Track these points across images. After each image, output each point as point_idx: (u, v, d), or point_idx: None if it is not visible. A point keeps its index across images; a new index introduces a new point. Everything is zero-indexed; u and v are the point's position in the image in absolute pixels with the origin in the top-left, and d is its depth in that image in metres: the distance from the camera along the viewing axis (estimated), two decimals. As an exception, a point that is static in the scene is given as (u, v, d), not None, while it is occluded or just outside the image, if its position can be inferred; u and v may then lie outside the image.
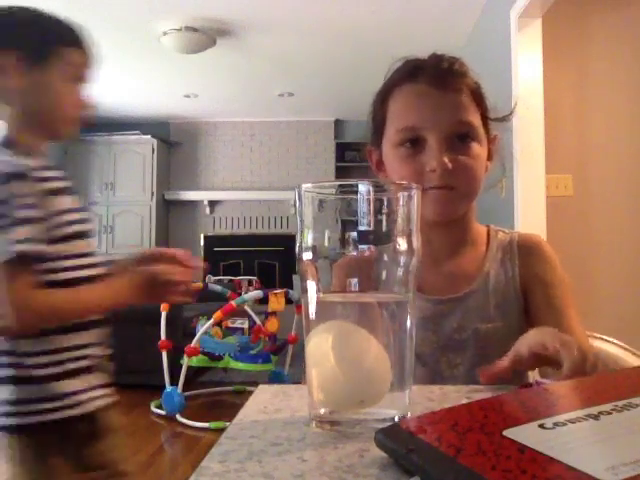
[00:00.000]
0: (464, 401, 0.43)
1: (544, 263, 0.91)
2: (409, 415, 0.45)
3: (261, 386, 0.59)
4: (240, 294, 4.11)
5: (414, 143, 0.84)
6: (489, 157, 0.91)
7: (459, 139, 0.84)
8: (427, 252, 0.88)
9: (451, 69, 0.85)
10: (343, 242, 0.44)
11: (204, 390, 3.83)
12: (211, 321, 3.19)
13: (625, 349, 1.04)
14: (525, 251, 0.91)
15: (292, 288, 4.06)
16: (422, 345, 0.86)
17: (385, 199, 0.45)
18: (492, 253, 0.91)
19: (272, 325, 3.36)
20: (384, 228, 0.44)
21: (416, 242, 0.46)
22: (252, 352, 3.30)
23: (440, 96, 0.84)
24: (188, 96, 5.98)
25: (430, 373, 0.86)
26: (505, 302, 0.88)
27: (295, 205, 0.47)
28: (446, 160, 0.81)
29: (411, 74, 0.87)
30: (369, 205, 0.44)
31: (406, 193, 0.46)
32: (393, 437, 0.37)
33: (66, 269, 1.00)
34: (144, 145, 6.64)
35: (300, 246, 0.46)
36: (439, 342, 0.86)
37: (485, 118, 0.89)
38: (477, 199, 0.90)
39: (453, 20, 4.03)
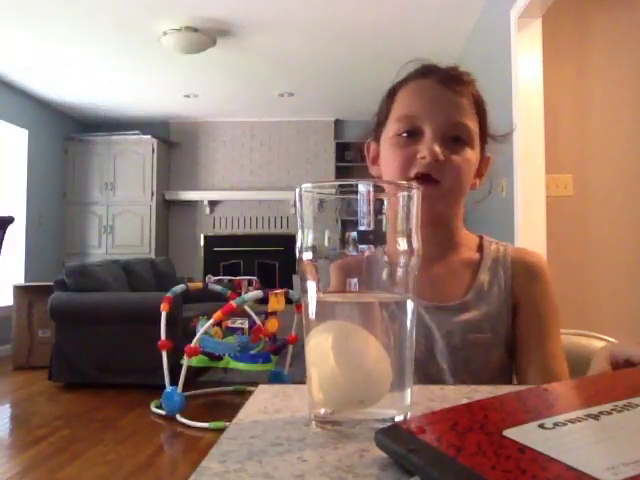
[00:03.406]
0: (464, 401, 0.43)
1: (540, 283, 0.91)
2: (409, 415, 0.45)
3: (261, 386, 0.59)
4: (240, 294, 4.10)
5: (411, 135, 0.86)
6: (479, 174, 0.92)
7: (454, 141, 0.86)
8: None
9: (459, 75, 0.89)
10: (343, 242, 0.44)
11: (204, 390, 3.83)
12: (211, 321, 3.19)
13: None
14: (521, 268, 0.92)
15: (292, 288, 4.06)
16: None
17: (385, 199, 0.45)
18: (486, 265, 0.92)
19: (272, 325, 3.36)
20: (384, 228, 0.44)
21: (416, 242, 0.46)
22: (252, 352, 3.30)
23: (444, 93, 0.86)
24: (188, 96, 5.98)
25: (419, 375, 0.86)
26: (495, 314, 0.88)
27: (295, 205, 0.47)
28: (437, 150, 0.83)
29: (422, 72, 0.90)
30: (369, 205, 0.44)
31: (406, 193, 0.46)
32: (393, 437, 0.37)
33: None
34: (144, 145, 6.64)
35: (300, 246, 0.46)
36: (427, 346, 0.87)
37: (483, 134, 0.91)
38: (467, 207, 0.92)
39: (453, 20, 4.03)
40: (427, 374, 0.86)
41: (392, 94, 0.92)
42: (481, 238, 0.97)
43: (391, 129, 0.89)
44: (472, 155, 0.87)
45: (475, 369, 0.86)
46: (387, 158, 0.89)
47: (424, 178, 0.84)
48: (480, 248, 0.94)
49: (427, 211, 0.85)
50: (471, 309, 0.88)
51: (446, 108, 0.86)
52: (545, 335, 0.88)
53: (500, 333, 0.88)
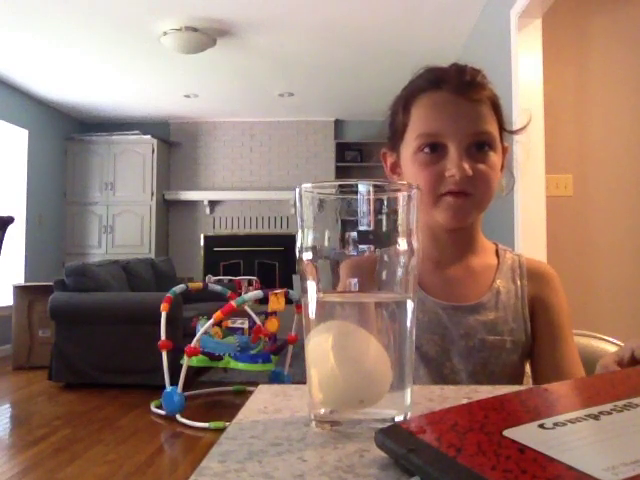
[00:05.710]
0: (464, 401, 0.43)
1: (553, 290, 0.94)
2: (409, 415, 0.45)
3: (261, 386, 0.59)
4: (240, 294, 4.11)
5: (434, 149, 0.86)
6: (501, 168, 0.92)
7: (477, 148, 0.85)
8: (431, 255, 0.90)
9: (473, 80, 0.87)
10: (343, 242, 0.44)
11: (204, 390, 3.83)
12: (211, 321, 3.19)
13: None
14: (535, 276, 0.94)
15: (292, 288, 4.05)
16: (427, 346, 0.88)
17: (385, 199, 0.45)
18: (503, 270, 0.93)
19: (272, 325, 3.36)
20: (384, 228, 0.44)
21: (416, 242, 0.46)
22: (252, 352, 3.30)
23: (462, 105, 0.85)
24: (188, 96, 5.98)
25: (433, 375, 0.87)
26: (513, 319, 0.90)
27: (295, 205, 0.47)
28: (466, 167, 0.83)
29: (435, 83, 0.88)
30: (369, 205, 0.44)
31: (406, 193, 0.45)
32: (393, 437, 0.37)
33: None
34: (144, 145, 6.64)
35: (300, 246, 0.46)
36: (444, 346, 0.87)
37: (501, 129, 0.91)
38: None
39: (453, 20, 4.03)
40: (441, 374, 0.87)
41: (406, 106, 0.90)
42: (497, 245, 0.98)
43: (412, 145, 0.88)
44: (496, 157, 0.88)
45: (492, 372, 0.87)
46: (412, 174, 0.88)
47: (456, 194, 0.85)
48: (496, 254, 0.96)
49: (457, 218, 0.86)
50: (488, 310, 0.89)
51: (466, 121, 0.85)
52: (560, 338, 0.90)
53: (517, 338, 0.89)
